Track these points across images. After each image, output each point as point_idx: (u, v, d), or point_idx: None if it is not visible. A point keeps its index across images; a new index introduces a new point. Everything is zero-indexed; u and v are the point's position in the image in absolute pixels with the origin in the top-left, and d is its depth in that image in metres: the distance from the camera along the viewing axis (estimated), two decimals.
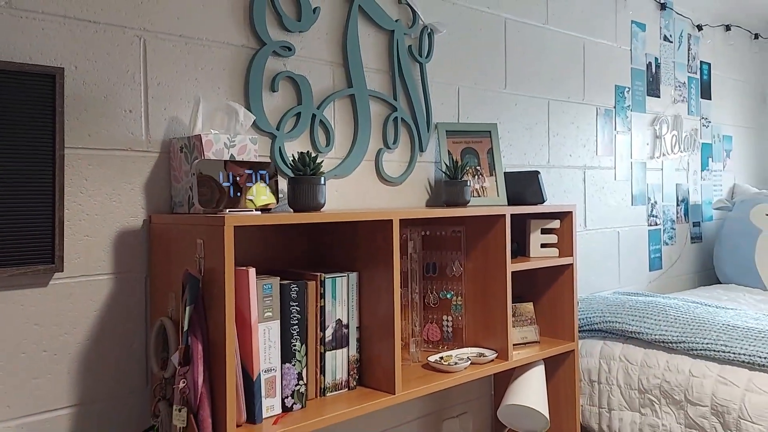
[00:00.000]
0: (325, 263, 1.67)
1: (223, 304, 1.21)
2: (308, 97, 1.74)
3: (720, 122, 3.55)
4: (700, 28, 3.35)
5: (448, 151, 2.05)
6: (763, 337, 1.85)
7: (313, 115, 1.75)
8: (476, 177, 2.09)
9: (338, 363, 1.53)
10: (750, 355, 1.80)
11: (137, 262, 1.44)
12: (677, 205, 3.21)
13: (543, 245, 2.08)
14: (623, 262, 2.88)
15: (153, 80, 1.47)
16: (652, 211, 3.04)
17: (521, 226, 2.10)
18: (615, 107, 2.83)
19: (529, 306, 2.06)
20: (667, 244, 3.14)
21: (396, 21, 1.95)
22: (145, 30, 1.46)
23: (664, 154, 3.10)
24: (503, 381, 2.14)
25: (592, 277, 2.72)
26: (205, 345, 1.22)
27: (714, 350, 1.87)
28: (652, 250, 3.04)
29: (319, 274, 1.50)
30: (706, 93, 3.43)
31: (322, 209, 1.52)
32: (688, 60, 3.30)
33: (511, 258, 1.95)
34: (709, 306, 2.27)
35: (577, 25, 2.63)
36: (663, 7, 3.09)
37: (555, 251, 2.08)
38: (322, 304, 1.50)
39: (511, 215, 1.88)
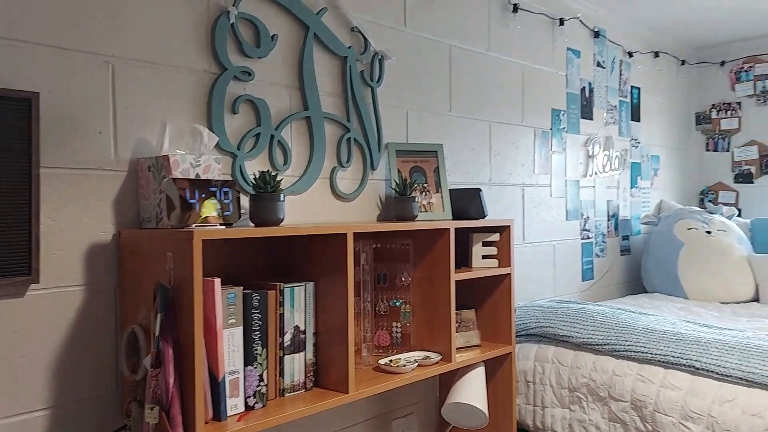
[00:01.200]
0: (284, 274, 1.80)
1: (192, 312, 1.32)
2: (267, 118, 1.87)
3: (648, 143, 3.84)
4: (630, 54, 3.64)
5: (398, 169, 2.21)
6: (677, 339, 2.08)
7: (272, 136, 1.88)
8: (424, 194, 2.25)
9: (296, 366, 1.66)
10: (664, 355, 2.02)
11: (107, 274, 1.54)
12: (608, 220, 3.47)
13: (484, 257, 2.25)
14: (558, 272, 3.11)
15: (121, 103, 1.57)
16: (584, 225, 3.28)
17: (465, 238, 2.28)
18: (551, 129, 3.06)
19: (471, 313, 2.24)
20: (598, 256, 3.39)
21: (349, 48, 2.10)
22: (114, 56, 1.56)
23: (596, 173, 3.35)
24: (448, 383, 2.30)
25: (530, 286, 2.93)
26: (175, 349, 1.33)
27: (634, 351, 2.09)
28: (585, 261, 3.29)
29: (278, 284, 1.63)
30: (635, 115, 3.71)
31: (281, 224, 1.65)
32: (620, 84, 3.57)
33: (455, 268, 2.12)
34: (633, 312, 2.50)
35: (517, 53, 2.84)
36: (596, 35, 3.35)
37: (495, 262, 2.26)
38: (282, 312, 1.63)
39: (456, 229, 2.05)
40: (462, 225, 2.09)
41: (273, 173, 1.63)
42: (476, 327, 2.22)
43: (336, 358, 1.68)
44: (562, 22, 3.07)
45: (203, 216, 1.46)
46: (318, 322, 1.72)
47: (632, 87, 3.68)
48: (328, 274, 1.69)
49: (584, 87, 3.28)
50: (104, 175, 1.54)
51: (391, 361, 1.92)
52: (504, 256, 2.27)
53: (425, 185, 2.26)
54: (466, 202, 2.26)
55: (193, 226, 1.43)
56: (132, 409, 1.39)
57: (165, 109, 1.65)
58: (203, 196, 1.47)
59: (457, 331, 2.15)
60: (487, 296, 2.31)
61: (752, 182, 4.02)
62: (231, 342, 1.48)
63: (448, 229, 2.00)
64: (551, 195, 3.06)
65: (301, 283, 1.68)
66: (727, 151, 4.12)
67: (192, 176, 1.52)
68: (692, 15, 3.47)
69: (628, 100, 3.65)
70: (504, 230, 2.27)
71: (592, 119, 3.34)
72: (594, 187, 3.36)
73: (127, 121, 1.58)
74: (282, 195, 1.62)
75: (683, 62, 4.08)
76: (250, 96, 1.83)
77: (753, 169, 4.02)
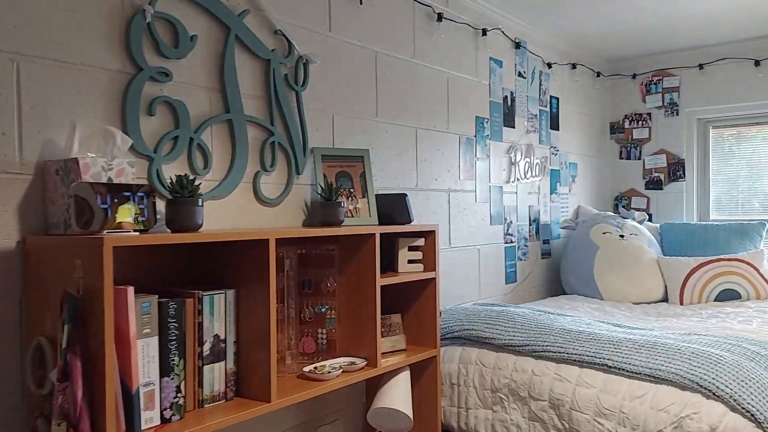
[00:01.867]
0: (205, 281, 1.75)
1: (102, 322, 1.26)
2: (186, 121, 1.82)
3: (567, 151, 4.00)
4: (550, 65, 3.78)
5: (324, 174, 2.20)
6: (591, 339, 2.17)
7: (191, 139, 1.83)
8: (350, 198, 2.25)
9: (216, 375, 1.61)
10: (580, 355, 2.10)
11: (11, 283, 1.44)
12: (530, 224, 3.59)
13: (410, 261, 2.28)
14: (483, 276, 3.18)
15: (27, 103, 1.49)
16: (508, 230, 3.38)
17: (391, 244, 2.29)
18: (476, 136, 3.13)
19: (397, 317, 2.25)
20: (521, 259, 3.50)
21: (272, 51, 2.08)
22: (19, 53, 1.47)
23: (518, 179, 3.46)
24: (375, 388, 2.30)
25: (456, 289, 2.98)
26: (84, 361, 1.26)
27: (552, 351, 2.16)
28: (508, 265, 3.38)
29: (197, 291, 1.58)
30: (555, 124, 3.86)
31: (199, 230, 1.60)
32: (540, 94, 3.70)
33: (381, 273, 2.13)
34: (551, 313, 2.59)
35: (442, 61, 2.90)
36: (518, 46, 3.46)
37: (420, 267, 2.28)
38: (200, 320, 1.58)
39: (381, 234, 2.06)
40: (388, 230, 2.10)
41: (191, 177, 1.59)
42: (402, 331, 2.24)
43: (258, 366, 1.64)
44: (485, 32, 3.15)
45: (116, 222, 1.40)
46: (239, 330, 1.68)
47: (551, 97, 3.83)
48: (249, 281, 1.66)
49: (506, 96, 3.38)
50: (8, 178, 1.45)
51: (315, 368, 1.90)
52: (429, 261, 2.30)
53: (351, 190, 2.26)
54: (392, 208, 2.27)
55: (105, 232, 1.37)
56: (39, 425, 1.31)
57: (75, 109, 1.57)
58: (116, 201, 1.41)
59: (383, 336, 2.16)
60: (413, 300, 2.33)
61: (662, 188, 4.26)
62: (146, 353, 1.42)
63: (374, 234, 2.01)
64: (476, 200, 3.13)
65: (222, 290, 1.63)
66: (639, 159, 4.35)
67: (104, 180, 1.46)
68: (606, 30, 3.65)
69: (548, 109, 3.79)
70: (429, 235, 2.30)
71: (514, 127, 3.44)
72: (516, 192, 3.47)
73: (33, 121, 1.49)
74: (200, 200, 1.57)
75: (598, 74, 4.28)
76: (168, 97, 1.77)
77: (662, 177, 4.26)
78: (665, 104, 4.24)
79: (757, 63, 3.87)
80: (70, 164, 1.43)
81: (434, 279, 2.29)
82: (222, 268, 1.72)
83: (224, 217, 1.93)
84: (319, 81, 2.26)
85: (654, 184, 4.30)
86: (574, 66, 4.01)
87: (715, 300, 3.24)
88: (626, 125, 4.40)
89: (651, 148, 4.30)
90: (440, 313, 2.45)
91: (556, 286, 3.81)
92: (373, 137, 2.52)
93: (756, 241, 3.58)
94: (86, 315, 1.29)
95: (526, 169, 3.51)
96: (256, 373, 1.65)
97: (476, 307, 2.66)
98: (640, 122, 4.34)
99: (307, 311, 2.05)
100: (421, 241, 2.29)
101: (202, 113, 1.87)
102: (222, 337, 1.63)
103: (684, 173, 4.18)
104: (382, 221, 2.27)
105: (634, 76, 4.32)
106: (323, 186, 2.11)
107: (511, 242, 3.41)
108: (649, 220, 4.22)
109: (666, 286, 3.38)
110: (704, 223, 3.81)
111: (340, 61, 2.36)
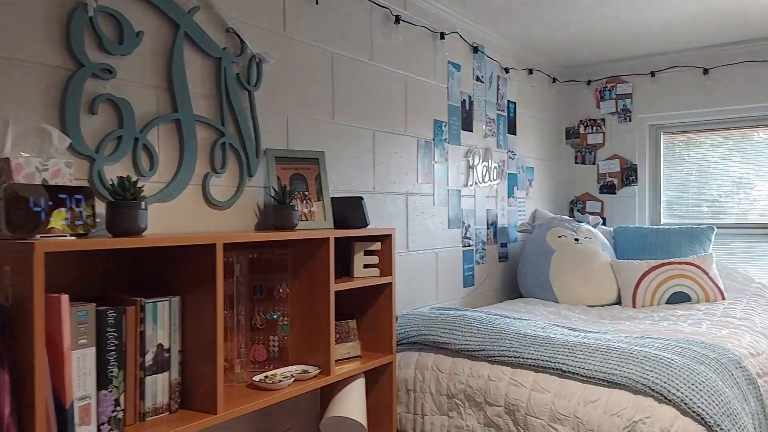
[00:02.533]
0: (150, 288, 1.67)
1: (32, 333, 1.18)
2: (130, 120, 1.74)
3: (524, 155, 4.03)
4: (507, 70, 3.80)
5: (277, 176, 2.14)
6: (546, 343, 2.17)
7: (136, 139, 1.75)
8: (304, 202, 2.20)
9: (159, 387, 1.54)
10: (535, 359, 2.09)
11: None
12: (487, 228, 3.59)
13: (366, 266, 2.24)
14: (441, 280, 3.16)
15: None
16: (466, 233, 3.37)
17: (346, 248, 2.24)
18: (434, 140, 3.12)
19: (352, 323, 2.21)
20: (478, 263, 3.50)
21: (224, 49, 2.01)
22: None
23: (476, 183, 3.46)
24: (329, 396, 2.25)
25: (413, 294, 2.96)
26: (13, 374, 1.17)
27: (507, 356, 2.15)
28: (466, 268, 3.38)
29: (139, 299, 1.51)
30: (512, 129, 3.88)
31: (143, 234, 1.53)
32: (497, 99, 3.72)
33: (336, 278, 2.08)
34: (508, 317, 2.59)
35: (400, 63, 2.87)
36: (476, 50, 3.47)
37: (376, 271, 2.24)
38: (143, 329, 1.51)
39: (337, 238, 2.01)
40: (343, 234, 2.05)
41: (133, 179, 1.51)
42: (357, 337, 2.19)
43: (204, 376, 1.58)
44: (443, 36, 3.14)
45: (50, 226, 1.31)
46: (185, 339, 1.61)
47: (509, 102, 3.85)
48: (196, 288, 1.59)
49: (465, 100, 3.38)
50: None
51: (266, 377, 1.84)
52: (386, 266, 2.26)
53: (306, 193, 2.21)
54: (348, 211, 2.23)
55: (38, 236, 1.28)
56: None
57: (10, 106, 1.48)
58: (51, 203, 1.32)
59: (337, 343, 2.11)
60: (369, 306, 2.29)
61: (615, 193, 4.34)
62: (81, 364, 1.34)
63: (329, 238, 1.96)
64: (434, 204, 3.11)
65: (166, 297, 1.56)
66: (593, 164, 4.42)
67: (38, 181, 1.37)
68: (561, 36, 3.69)
69: (505, 114, 3.81)
70: (386, 239, 2.27)
71: (472, 131, 3.44)
72: (474, 196, 3.47)
73: None
74: (143, 203, 1.50)
75: (554, 80, 4.33)
76: (112, 95, 1.69)
77: (615, 181, 4.34)
78: (618, 110, 4.32)
79: (705, 71, 3.98)
80: (1, 164, 1.34)
81: (390, 284, 2.25)
82: (167, 275, 1.64)
83: (172, 220, 1.85)
84: (273, 81, 2.20)
85: (608, 189, 4.37)
86: (530, 71, 4.05)
87: (666, 303, 3.30)
88: (581, 130, 4.46)
89: (605, 153, 4.38)
90: (396, 318, 2.42)
91: (513, 289, 3.83)
92: (329, 139, 2.47)
93: (705, 244, 3.67)
94: (15, 325, 1.21)
95: (484, 173, 3.51)
96: (202, 383, 1.58)
97: (433, 312, 2.64)
98: (595, 128, 4.41)
99: (259, 318, 1.99)
100: (377, 246, 2.25)
101: (148, 112, 1.80)
102: (166, 346, 1.56)
103: (636, 178, 4.26)
104: (337, 225, 2.23)
105: (588, 83, 4.38)
106: (276, 189, 2.05)
107: (469, 246, 3.40)
108: (603, 223, 4.28)
109: (619, 289, 3.43)
110: (656, 227, 3.89)
111: (295, 61, 2.31)
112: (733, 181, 4.04)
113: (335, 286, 1.99)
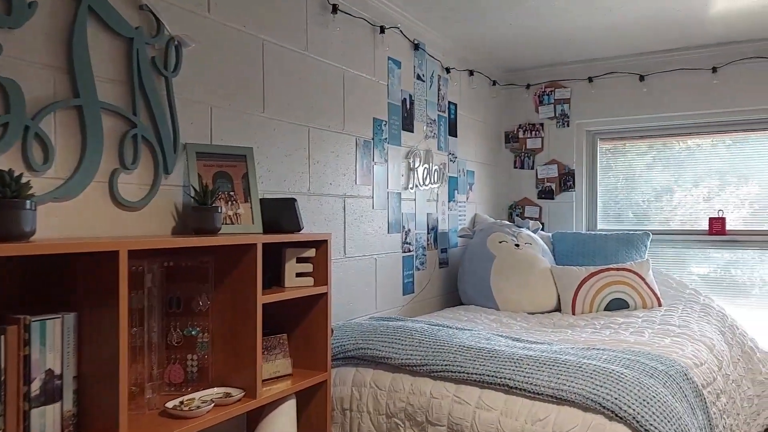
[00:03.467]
0: (39, 303, 1.41)
1: None
2: (19, 105, 1.47)
3: (464, 158, 3.93)
4: (448, 70, 3.68)
5: (199, 174, 1.91)
6: (492, 357, 2.03)
7: (27, 127, 1.49)
8: (229, 203, 1.98)
9: (48, 420, 1.30)
10: (480, 374, 1.95)
11: None
12: (428, 233, 3.46)
13: (298, 274, 2.04)
14: (380, 287, 2.99)
15: None
16: (406, 238, 3.22)
17: (277, 255, 2.04)
18: (373, 139, 2.95)
19: (282, 338, 2.00)
20: (419, 269, 3.35)
21: (136, 28, 1.77)
22: None
23: (417, 186, 3.31)
24: (256, 421, 2.03)
25: (351, 303, 2.77)
26: None
27: (451, 371, 2.00)
28: (406, 275, 3.22)
29: (23, 317, 1.26)
30: (453, 131, 3.77)
31: (31, 238, 1.28)
32: (438, 99, 3.59)
33: (265, 289, 1.88)
34: (450, 328, 2.44)
35: (337, 56, 2.69)
36: (416, 47, 3.33)
37: (310, 280, 2.05)
38: (27, 353, 1.26)
39: (266, 244, 1.80)
40: (273, 239, 1.84)
41: (16, 173, 1.26)
42: (288, 354, 1.99)
43: (104, 405, 1.34)
44: (383, 30, 2.98)
45: None
46: (81, 363, 1.36)
47: (450, 103, 3.74)
48: (95, 302, 1.35)
49: (405, 98, 3.23)
50: None
51: (182, 402, 1.61)
52: (320, 274, 2.07)
53: (231, 193, 1.99)
54: (279, 214, 2.02)
55: None
56: None
57: None
58: None
59: (265, 361, 1.90)
60: (302, 318, 2.09)
61: (553, 198, 4.31)
62: None
63: (256, 244, 1.75)
64: (373, 207, 2.94)
65: (58, 314, 1.31)
66: (532, 168, 4.38)
67: None
68: (501, 38, 3.60)
69: (446, 115, 3.69)
70: (321, 245, 2.07)
71: (413, 131, 3.30)
72: (415, 199, 3.32)
73: None
74: (30, 202, 1.25)
75: (495, 83, 4.26)
76: None
77: (554, 186, 4.30)
78: (557, 115, 4.29)
79: (641, 78, 4.00)
80: None
81: (326, 294, 2.06)
82: (60, 287, 1.39)
83: (71, 223, 1.59)
84: (195, 67, 1.97)
85: (546, 194, 4.33)
86: (471, 73, 3.95)
87: (605, 309, 3.25)
88: (521, 135, 4.41)
89: (543, 158, 4.34)
90: (332, 331, 2.23)
91: (453, 296, 3.70)
92: (259, 134, 2.25)
93: (641, 250, 3.67)
94: None
95: (424, 176, 3.37)
96: (102, 414, 1.34)
97: (372, 323, 2.46)
98: (534, 132, 4.37)
99: (175, 334, 1.75)
100: (311, 252, 2.06)
101: (43, 96, 1.54)
102: (57, 372, 1.31)
103: (574, 183, 4.24)
104: (267, 229, 2.01)
105: (528, 87, 4.34)
106: (197, 188, 1.82)
107: (409, 251, 3.25)
108: (542, 229, 4.24)
109: (559, 296, 3.36)
110: (593, 232, 3.87)
111: (221, 48, 2.08)
112: (655, 189, 4.10)
113: (263, 298, 1.78)
